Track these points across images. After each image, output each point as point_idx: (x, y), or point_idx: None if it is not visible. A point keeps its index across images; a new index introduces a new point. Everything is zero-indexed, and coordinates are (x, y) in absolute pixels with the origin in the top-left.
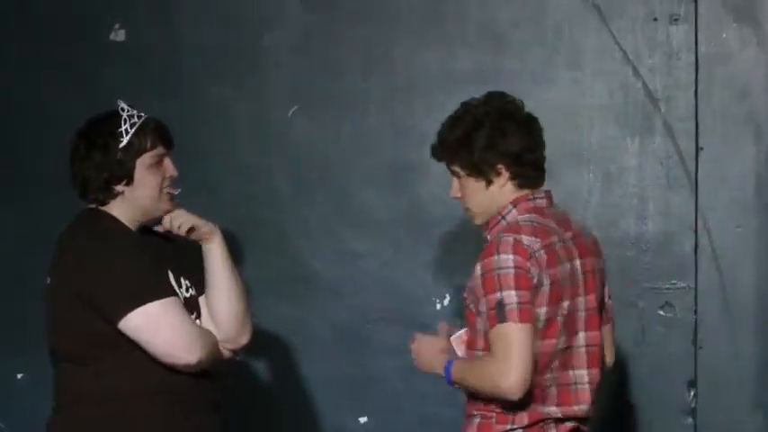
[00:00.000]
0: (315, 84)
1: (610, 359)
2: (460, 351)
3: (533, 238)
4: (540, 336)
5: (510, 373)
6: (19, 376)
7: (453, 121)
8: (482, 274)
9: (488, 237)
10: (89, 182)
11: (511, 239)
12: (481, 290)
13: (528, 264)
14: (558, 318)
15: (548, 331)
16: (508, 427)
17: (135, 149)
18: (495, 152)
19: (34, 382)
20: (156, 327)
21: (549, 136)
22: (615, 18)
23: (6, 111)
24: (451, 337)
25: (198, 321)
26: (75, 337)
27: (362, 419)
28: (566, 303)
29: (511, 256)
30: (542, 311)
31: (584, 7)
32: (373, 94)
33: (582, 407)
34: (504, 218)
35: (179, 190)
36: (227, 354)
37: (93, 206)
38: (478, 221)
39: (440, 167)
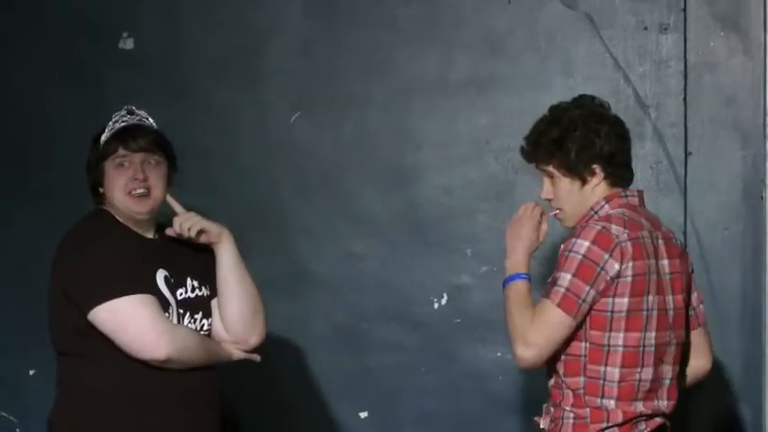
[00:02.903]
0: (316, 88)
1: (707, 363)
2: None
3: (622, 229)
4: (622, 327)
5: (531, 347)
6: (31, 372)
7: (547, 124)
8: (560, 253)
9: None
10: (90, 185)
11: (597, 227)
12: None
13: (605, 255)
14: (644, 312)
15: (630, 323)
16: (604, 425)
17: (102, 153)
18: (590, 153)
19: (46, 378)
20: (123, 322)
21: None
22: (606, 27)
23: (18, 116)
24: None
25: (205, 321)
26: (66, 330)
27: (363, 414)
28: (650, 297)
29: (587, 244)
30: (624, 302)
31: (576, 16)
32: (373, 98)
33: (668, 402)
34: (596, 212)
35: (141, 190)
36: (237, 354)
37: (101, 206)
38: (570, 224)
39: (438, 170)
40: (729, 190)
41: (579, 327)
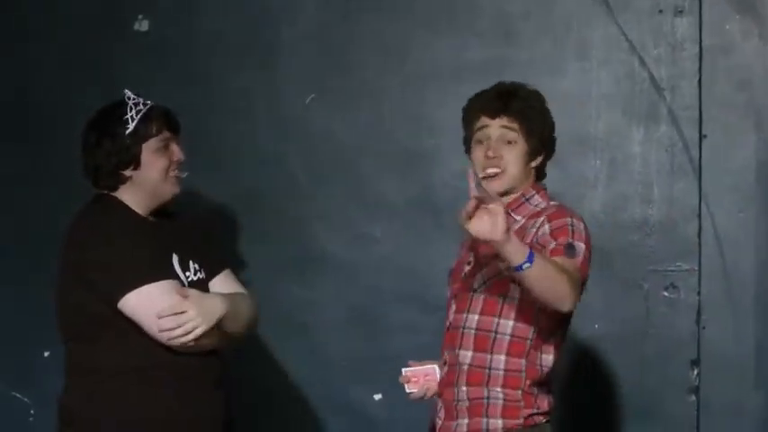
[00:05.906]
0: (331, 73)
1: None
2: (411, 387)
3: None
4: (561, 316)
5: (573, 298)
6: (46, 354)
7: (529, 93)
8: (553, 229)
9: (516, 216)
10: (100, 169)
11: (578, 214)
12: (549, 238)
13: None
14: None
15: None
16: (534, 411)
17: (141, 135)
18: (552, 135)
19: (60, 360)
20: (152, 308)
21: (558, 124)
22: (622, 10)
23: (34, 99)
24: (408, 369)
25: None
26: (80, 316)
27: (377, 396)
28: None
29: (582, 225)
30: None
31: (591, 0)
32: (387, 83)
33: None
34: (528, 200)
35: (186, 173)
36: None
37: (105, 192)
38: (502, 188)
39: (451, 154)
40: (743, 172)
41: (533, 308)
